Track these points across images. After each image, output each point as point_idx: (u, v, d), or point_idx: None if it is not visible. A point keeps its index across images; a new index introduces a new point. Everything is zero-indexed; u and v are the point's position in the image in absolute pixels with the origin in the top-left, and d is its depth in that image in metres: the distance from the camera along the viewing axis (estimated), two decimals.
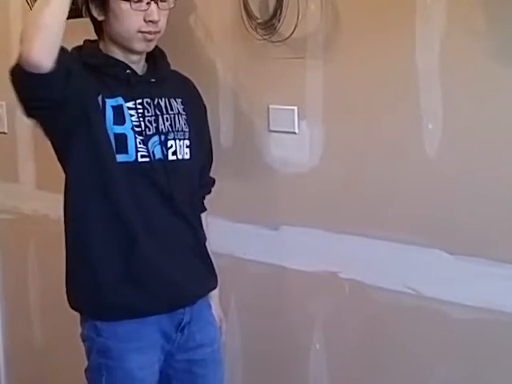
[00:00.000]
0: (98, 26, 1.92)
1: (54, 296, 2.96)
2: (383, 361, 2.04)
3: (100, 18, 1.88)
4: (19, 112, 2.92)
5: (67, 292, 1.98)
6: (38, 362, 3.08)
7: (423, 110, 1.87)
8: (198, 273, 2.00)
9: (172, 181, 1.91)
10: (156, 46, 1.95)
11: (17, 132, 2.99)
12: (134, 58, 1.92)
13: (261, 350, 2.31)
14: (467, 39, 1.79)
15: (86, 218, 1.88)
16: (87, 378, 1.98)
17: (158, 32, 1.89)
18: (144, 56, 1.95)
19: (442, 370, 1.92)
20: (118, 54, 1.90)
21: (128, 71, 1.89)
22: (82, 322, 1.97)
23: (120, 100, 1.87)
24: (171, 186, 1.91)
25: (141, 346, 1.89)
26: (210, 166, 2.13)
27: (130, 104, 1.88)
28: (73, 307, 1.97)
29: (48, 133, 1.88)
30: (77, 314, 2.00)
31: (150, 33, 1.87)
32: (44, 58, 1.66)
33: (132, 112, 1.87)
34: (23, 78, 1.71)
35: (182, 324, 1.94)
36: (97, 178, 1.85)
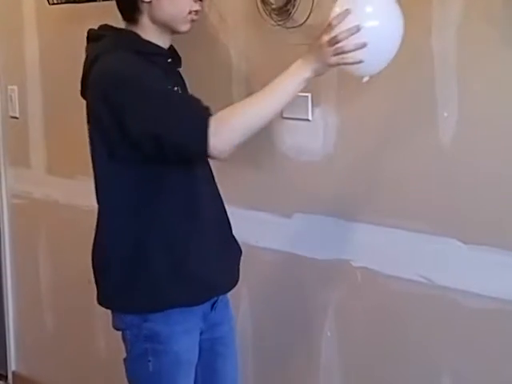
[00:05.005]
0: (137, 9, 1.85)
1: (64, 280, 2.97)
2: (394, 349, 2.03)
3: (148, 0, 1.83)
4: (31, 96, 2.95)
5: (110, 294, 1.90)
6: (48, 347, 3.09)
7: (438, 98, 1.85)
8: (237, 257, 2.03)
9: (209, 166, 1.95)
10: None
11: (28, 117, 2.99)
12: (168, 41, 1.90)
13: (272, 338, 2.31)
14: (484, 25, 1.76)
15: (167, 216, 1.84)
16: (128, 368, 1.92)
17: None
18: None
19: (453, 359, 1.92)
20: (156, 39, 1.87)
21: (169, 60, 1.91)
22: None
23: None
24: (210, 171, 1.96)
25: (187, 327, 1.89)
26: None
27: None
28: (114, 307, 1.91)
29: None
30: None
31: (197, 12, 1.87)
32: (229, 153, 1.73)
33: None
34: (195, 150, 1.74)
35: (216, 303, 1.96)
36: (183, 175, 1.86)
